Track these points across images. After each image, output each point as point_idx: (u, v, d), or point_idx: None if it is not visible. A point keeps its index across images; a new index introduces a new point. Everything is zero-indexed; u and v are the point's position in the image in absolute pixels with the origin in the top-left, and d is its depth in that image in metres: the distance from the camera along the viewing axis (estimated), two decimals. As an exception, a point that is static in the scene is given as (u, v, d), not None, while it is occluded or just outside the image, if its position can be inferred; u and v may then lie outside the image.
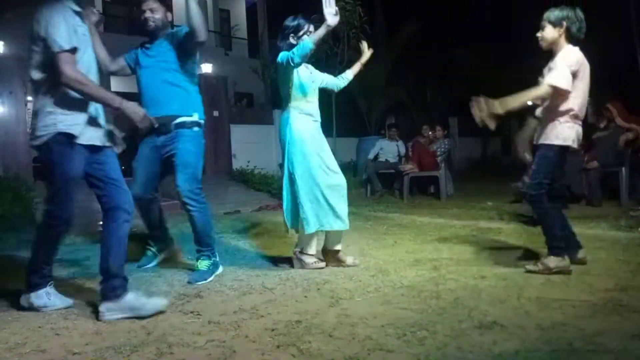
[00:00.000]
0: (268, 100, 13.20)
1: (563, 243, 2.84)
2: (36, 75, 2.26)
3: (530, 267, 2.83)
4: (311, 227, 3.05)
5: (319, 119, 3.26)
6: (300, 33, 3.17)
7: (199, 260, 3.00)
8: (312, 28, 3.19)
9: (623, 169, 5.44)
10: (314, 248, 3.21)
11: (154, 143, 3.07)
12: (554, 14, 2.85)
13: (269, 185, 7.86)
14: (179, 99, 3.01)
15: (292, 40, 3.16)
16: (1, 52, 7.27)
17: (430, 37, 13.67)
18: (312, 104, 3.22)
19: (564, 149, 2.84)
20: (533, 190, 2.88)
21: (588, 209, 5.29)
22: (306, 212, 3.06)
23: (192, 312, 2.29)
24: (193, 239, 3.06)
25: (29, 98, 11.58)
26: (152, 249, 3.39)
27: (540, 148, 2.90)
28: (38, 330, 2.13)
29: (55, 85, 2.20)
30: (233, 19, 18.27)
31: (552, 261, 2.77)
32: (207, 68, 10.69)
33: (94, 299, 2.58)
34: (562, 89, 2.71)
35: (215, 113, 9.26)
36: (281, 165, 3.33)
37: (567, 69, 2.73)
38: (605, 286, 2.48)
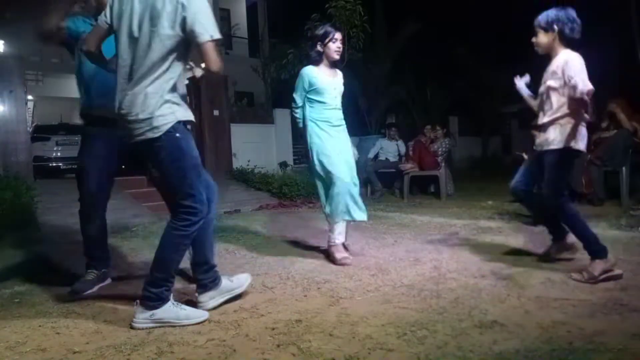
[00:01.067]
0: (268, 99, 13.22)
1: (601, 243, 2.71)
2: (156, 59, 2.08)
3: (576, 276, 2.64)
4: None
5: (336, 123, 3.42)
6: (327, 40, 3.31)
7: None
8: (338, 35, 3.34)
9: (624, 168, 5.43)
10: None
11: None
12: (544, 18, 2.81)
13: (269, 185, 7.85)
14: None
15: (319, 48, 3.33)
16: (1, 51, 7.27)
17: (431, 36, 13.67)
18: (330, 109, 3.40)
19: (575, 152, 2.78)
20: (553, 199, 2.79)
21: (588, 208, 5.29)
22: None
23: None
24: None
25: (30, 97, 11.61)
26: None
27: (550, 154, 2.81)
28: (38, 329, 2.14)
29: (173, 72, 2.13)
30: (233, 18, 18.27)
31: (597, 267, 2.60)
32: (207, 67, 10.67)
33: (92, 298, 2.59)
34: (591, 90, 2.64)
35: (216, 112, 9.26)
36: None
37: (584, 75, 2.67)
38: (606, 285, 2.49)
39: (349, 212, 3.29)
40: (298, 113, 3.42)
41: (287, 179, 7.96)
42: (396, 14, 13.66)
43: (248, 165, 8.99)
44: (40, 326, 2.17)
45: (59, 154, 10.26)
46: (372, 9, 11.49)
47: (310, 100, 3.35)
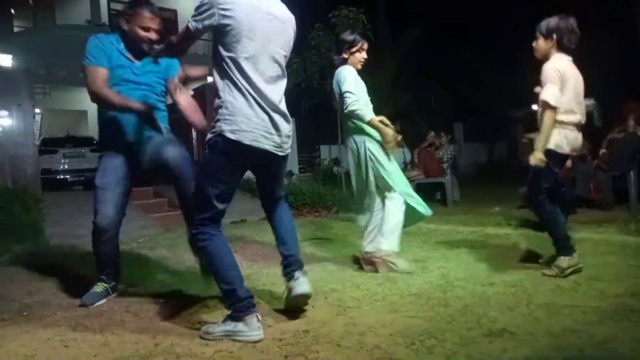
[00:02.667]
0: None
1: (570, 241, 2.90)
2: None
3: (547, 272, 2.86)
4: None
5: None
6: (354, 49, 3.28)
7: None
8: (365, 45, 3.33)
9: (631, 172, 5.39)
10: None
11: None
12: (545, 25, 2.93)
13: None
14: None
15: (344, 55, 3.29)
16: (10, 65, 7.37)
17: (434, 43, 13.71)
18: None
19: (553, 154, 2.86)
20: (536, 193, 2.95)
21: (597, 213, 5.25)
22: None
23: (199, 323, 2.29)
24: None
25: (37, 110, 11.73)
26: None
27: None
28: (47, 342, 2.14)
29: None
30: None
31: (564, 262, 2.82)
32: (212, 78, 10.75)
33: (100, 310, 2.59)
34: (550, 104, 2.78)
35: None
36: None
37: (553, 85, 2.80)
38: (616, 291, 2.46)
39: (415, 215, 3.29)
40: (357, 105, 3.12)
41: (293, 188, 7.96)
42: (399, 21, 13.73)
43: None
44: (48, 339, 2.17)
45: (66, 166, 10.34)
46: (375, 16, 11.56)
47: None
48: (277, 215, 2.46)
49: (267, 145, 2.13)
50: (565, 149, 2.90)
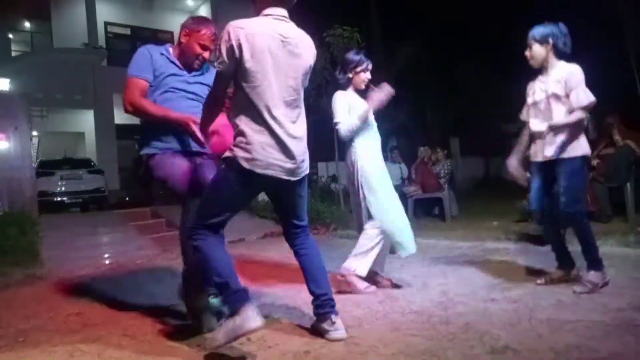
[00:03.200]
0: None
1: (600, 257, 2.85)
2: None
3: (578, 289, 2.74)
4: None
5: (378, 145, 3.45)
6: (359, 68, 3.30)
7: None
8: (370, 66, 3.35)
9: (628, 184, 5.41)
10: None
11: None
12: (538, 31, 2.92)
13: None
14: None
15: (349, 74, 3.31)
16: (7, 89, 7.40)
17: (428, 59, 13.86)
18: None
19: (586, 159, 2.88)
20: (571, 207, 2.82)
21: (595, 226, 5.20)
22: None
23: (198, 345, 2.26)
24: None
25: (34, 133, 11.76)
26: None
27: (565, 163, 2.85)
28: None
29: None
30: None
31: (596, 277, 2.77)
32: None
33: (86, 336, 2.55)
34: (594, 102, 2.77)
35: (218, 141, 9.33)
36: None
37: (585, 87, 2.79)
38: (618, 305, 2.44)
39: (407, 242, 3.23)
40: (346, 125, 3.19)
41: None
42: (394, 39, 13.89)
43: (251, 193, 8.99)
44: (45, 365, 2.14)
45: (63, 188, 10.31)
46: (369, 35, 11.70)
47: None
48: (303, 249, 2.41)
49: (279, 173, 2.13)
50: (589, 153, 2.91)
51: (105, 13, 15.44)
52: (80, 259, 5.28)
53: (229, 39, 2.03)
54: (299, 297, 3.11)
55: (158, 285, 3.83)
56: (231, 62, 2.05)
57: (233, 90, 2.18)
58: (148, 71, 2.58)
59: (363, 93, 3.35)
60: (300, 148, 2.19)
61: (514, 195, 6.86)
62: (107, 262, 5.28)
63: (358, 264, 3.16)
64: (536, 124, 2.98)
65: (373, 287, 3.17)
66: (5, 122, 6.95)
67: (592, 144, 5.78)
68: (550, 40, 2.87)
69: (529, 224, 5.88)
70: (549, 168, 2.94)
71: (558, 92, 2.85)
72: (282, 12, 2.21)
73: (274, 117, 2.09)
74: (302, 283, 3.50)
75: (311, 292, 2.35)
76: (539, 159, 2.99)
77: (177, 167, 2.52)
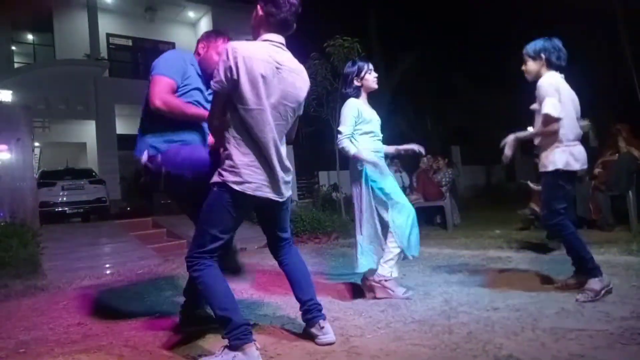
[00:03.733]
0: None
1: (596, 263, 2.85)
2: None
3: (580, 297, 2.74)
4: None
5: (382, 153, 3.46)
6: (362, 74, 3.36)
7: None
8: (371, 65, 3.41)
9: (630, 192, 5.40)
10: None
11: None
12: (531, 47, 3.03)
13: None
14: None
15: (356, 83, 3.37)
16: (10, 100, 7.45)
17: (428, 68, 13.94)
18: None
19: (562, 173, 2.89)
20: (550, 219, 2.94)
21: (597, 234, 5.23)
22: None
23: (199, 356, 2.25)
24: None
25: (36, 144, 11.81)
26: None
27: (542, 177, 3.01)
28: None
29: None
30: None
31: (595, 284, 2.76)
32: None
33: (87, 347, 2.54)
34: (553, 117, 2.81)
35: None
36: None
37: (551, 98, 2.84)
38: (622, 314, 2.42)
39: (417, 244, 3.23)
40: (346, 141, 3.23)
41: (292, 215, 7.95)
42: (393, 49, 13.96)
43: (253, 202, 8.99)
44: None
45: (64, 198, 10.32)
46: (369, 44, 11.76)
47: (358, 131, 3.30)
48: (287, 258, 2.46)
49: (269, 194, 2.17)
50: (575, 166, 2.91)
51: (107, 25, 15.57)
52: (81, 269, 5.27)
53: (227, 59, 2.06)
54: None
55: (159, 295, 3.82)
56: (228, 83, 2.08)
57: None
58: (179, 76, 2.52)
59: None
60: (284, 173, 2.23)
61: (516, 203, 6.86)
62: (108, 272, 5.27)
63: (392, 269, 3.18)
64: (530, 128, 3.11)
65: (410, 292, 3.16)
66: (7, 133, 6.99)
67: (593, 152, 5.80)
68: (543, 55, 2.96)
69: (531, 232, 5.87)
70: None
71: (535, 106, 2.98)
72: (280, 39, 2.24)
73: (264, 141, 2.12)
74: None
75: (298, 299, 2.42)
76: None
77: (198, 151, 2.45)
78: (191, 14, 17.12)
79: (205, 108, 2.56)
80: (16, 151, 7.03)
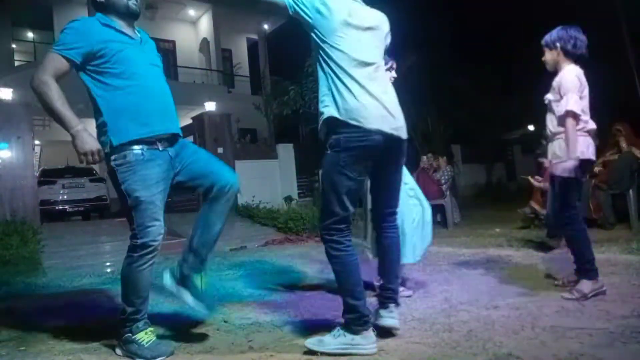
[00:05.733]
0: (271, 135, 13.36)
1: (595, 265, 2.82)
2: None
3: (566, 295, 2.77)
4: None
5: None
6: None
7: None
8: (394, 65, 3.44)
9: (630, 191, 5.39)
10: None
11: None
12: (548, 38, 3.02)
13: (275, 220, 7.85)
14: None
15: None
16: (10, 98, 7.45)
17: (430, 66, 13.90)
18: None
19: (580, 162, 2.84)
20: (565, 212, 2.89)
21: (598, 233, 5.22)
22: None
23: (200, 352, 2.25)
24: None
25: (36, 142, 11.81)
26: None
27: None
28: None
29: None
30: (235, 57, 18.72)
31: (587, 286, 2.74)
32: (210, 106, 10.89)
33: (87, 345, 2.54)
34: (577, 114, 2.79)
35: (220, 150, 9.37)
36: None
37: (574, 94, 2.81)
38: (622, 312, 2.42)
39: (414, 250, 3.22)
40: None
41: (293, 213, 7.96)
42: (394, 48, 13.90)
43: (253, 200, 9.00)
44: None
45: (65, 196, 10.34)
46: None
47: None
48: (385, 240, 2.40)
49: (383, 127, 2.15)
50: (590, 156, 2.89)
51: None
52: (82, 267, 5.28)
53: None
54: (301, 304, 3.11)
55: (159, 293, 3.81)
56: (302, 8, 2.23)
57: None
58: (78, 51, 2.24)
59: None
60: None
61: (516, 201, 6.86)
62: (108, 270, 5.27)
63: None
64: (547, 128, 3.06)
65: (410, 291, 3.17)
66: (7, 131, 7.00)
67: (596, 150, 5.78)
68: (558, 45, 2.94)
69: (531, 230, 5.87)
70: None
71: (551, 97, 2.97)
72: None
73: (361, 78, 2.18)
74: (304, 291, 3.51)
75: (381, 277, 2.44)
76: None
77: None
78: (191, 12, 17.10)
79: (141, 67, 2.32)
80: (17, 149, 7.04)
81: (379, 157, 2.20)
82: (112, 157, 2.25)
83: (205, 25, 17.42)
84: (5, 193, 6.73)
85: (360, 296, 2.13)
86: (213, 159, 2.55)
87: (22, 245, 5.22)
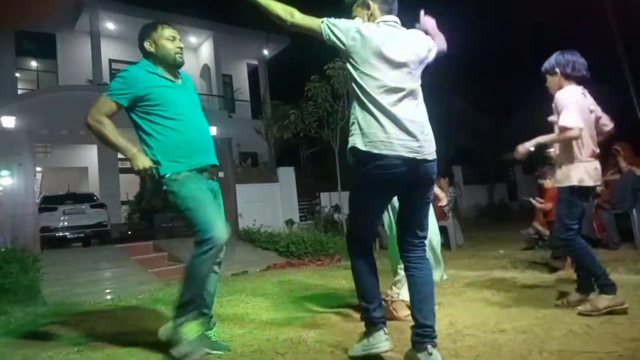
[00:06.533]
0: (272, 159, 13.40)
1: (609, 279, 2.83)
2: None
3: (581, 308, 2.79)
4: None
5: None
6: None
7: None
8: None
9: (634, 210, 5.36)
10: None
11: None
12: (547, 64, 3.11)
13: (276, 244, 7.80)
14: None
15: None
16: (13, 126, 7.51)
17: (430, 90, 14.04)
18: None
19: (576, 189, 2.90)
20: (561, 234, 2.96)
21: (603, 253, 5.17)
22: None
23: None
24: None
25: (38, 168, 11.87)
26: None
27: (558, 191, 3.03)
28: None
29: None
30: (235, 82, 18.97)
31: (602, 300, 2.75)
32: (211, 131, 10.94)
33: None
34: (567, 127, 2.82)
35: (221, 174, 9.38)
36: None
37: (570, 110, 2.85)
38: (631, 335, 2.38)
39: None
40: None
41: (294, 236, 7.92)
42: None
43: (254, 224, 8.97)
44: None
45: (65, 223, 10.30)
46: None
47: None
48: (415, 270, 2.27)
49: (402, 152, 2.12)
50: (589, 182, 2.92)
51: (109, 50, 15.80)
52: (82, 295, 5.22)
53: (352, 27, 2.23)
54: (304, 330, 3.06)
55: (160, 321, 3.76)
56: (335, 38, 2.25)
57: None
58: (125, 96, 2.57)
59: None
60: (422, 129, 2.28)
61: (519, 222, 6.82)
62: (108, 297, 5.21)
63: (400, 290, 3.20)
64: (552, 149, 3.22)
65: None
66: (9, 158, 7.03)
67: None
68: (558, 70, 3.03)
69: (535, 251, 5.82)
70: None
71: (553, 119, 3.04)
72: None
73: (386, 108, 2.21)
74: (306, 317, 3.46)
75: (414, 318, 2.22)
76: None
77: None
78: (193, 39, 17.39)
79: (185, 107, 2.63)
80: (18, 176, 7.06)
81: (406, 182, 2.19)
82: (165, 183, 2.52)
83: (206, 51, 17.70)
84: (6, 220, 6.71)
85: (372, 300, 2.30)
86: (221, 209, 2.73)
87: (22, 273, 5.18)
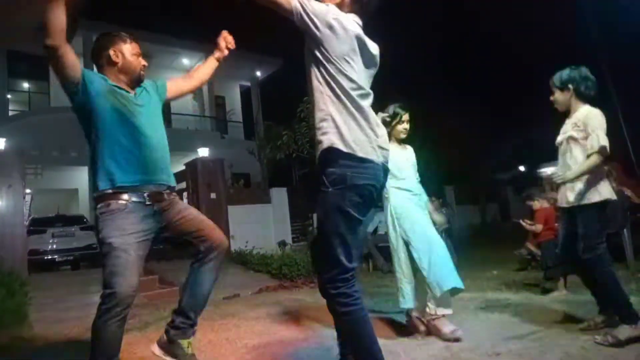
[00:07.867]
0: (264, 179, 13.39)
1: (632, 308, 2.67)
2: None
3: (599, 339, 2.61)
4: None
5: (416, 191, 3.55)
6: (395, 122, 3.44)
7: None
8: (406, 117, 3.46)
9: (625, 230, 5.39)
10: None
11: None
12: (558, 78, 2.95)
13: (269, 266, 7.72)
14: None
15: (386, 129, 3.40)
16: (3, 148, 7.45)
17: (422, 107, 14.18)
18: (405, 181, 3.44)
19: (605, 204, 2.80)
20: (588, 254, 2.77)
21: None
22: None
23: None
24: None
25: (27, 190, 11.75)
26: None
27: (583, 210, 2.83)
28: None
29: None
30: (228, 104, 19.08)
31: (623, 332, 2.57)
32: (204, 152, 10.94)
33: None
34: (603, 147, 2.73)
35: (213, 195, 9.34)
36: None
37: (602, 131, 2.77)
38: (627, 357, 2.36)
39: (455, 277, 3.18)
40: None
41: (287, 258, 7.84)
42: (385, 89, 14.22)
43: (246, 246, 8.89)
44: None
45: (54, 245, 10.14)
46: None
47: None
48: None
49: (380, 159, 1.94)
50: (613, 197, 2.84)
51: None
52: (70, 319, 5.09)
53: (328, 13, 1.95)
54: (297, 355, 3.01)
55: (148, 346, 3.67)
56: (310, 17, 1.95)
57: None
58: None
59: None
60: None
61: (512, 243, 6.82)
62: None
63: (434, 307, 3.19)
64: (559, 168, 2.99)
65: (460, 331, 3.04)
66: (-1, 180, 6.95)
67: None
68: (571, 87, 2.90)
69: (529, 272, 5.81)
70: (574, 214, 2.90)
71: (575, 134, 2.88)
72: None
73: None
74: (300, 340, 3.41)
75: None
76: (564, 204, 2.97)
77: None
78: (185, 61, 17.53)
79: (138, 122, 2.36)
80: (7, 198, 6.96)
81: (377, 195, 1.99)
82: (98, 205, 2.26)
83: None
84: (-6, 243, 6.60)
85: (379, 356, 1.85)
86: (202, 217, 2.55)
87: (8, 298, 5.06)
